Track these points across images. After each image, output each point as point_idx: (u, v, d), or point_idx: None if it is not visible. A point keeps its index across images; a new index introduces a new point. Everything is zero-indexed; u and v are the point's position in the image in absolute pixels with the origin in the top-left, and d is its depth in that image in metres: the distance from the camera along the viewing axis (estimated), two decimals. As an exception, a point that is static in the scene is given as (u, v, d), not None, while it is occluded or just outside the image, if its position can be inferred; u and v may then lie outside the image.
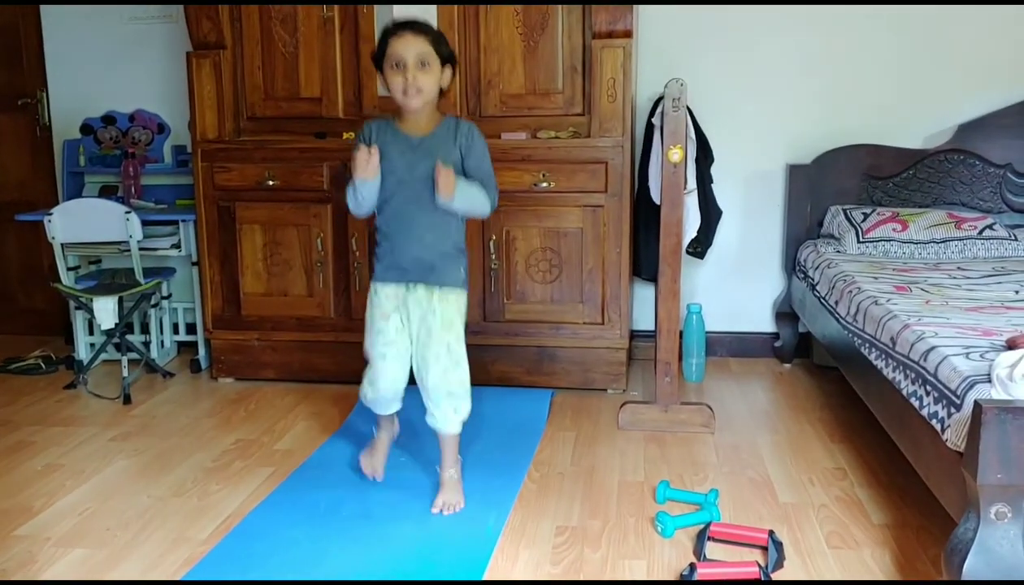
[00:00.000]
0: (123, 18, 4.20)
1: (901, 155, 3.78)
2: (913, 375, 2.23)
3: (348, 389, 3.52)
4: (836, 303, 3.06)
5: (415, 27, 2.39)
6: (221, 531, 2.43)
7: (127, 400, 3.53)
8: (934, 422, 2.03)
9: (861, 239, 3.52)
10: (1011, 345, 2.04)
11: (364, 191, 2.41)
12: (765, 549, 2.25)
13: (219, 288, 3.72)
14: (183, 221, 3.85)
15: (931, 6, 3.73)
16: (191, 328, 4.16)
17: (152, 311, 3.98)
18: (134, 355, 3.77)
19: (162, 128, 4.18)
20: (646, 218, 3.48)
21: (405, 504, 2.56)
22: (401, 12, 3.52)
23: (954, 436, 1.91)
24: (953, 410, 1.94)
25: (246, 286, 3.67)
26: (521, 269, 3.49)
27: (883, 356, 2.49)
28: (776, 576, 2.16)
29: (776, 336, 4.01)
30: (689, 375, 3.76)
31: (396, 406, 2.59)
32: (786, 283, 3.95)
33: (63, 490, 2.72)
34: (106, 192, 4.14)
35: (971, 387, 1.90)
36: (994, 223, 3.54)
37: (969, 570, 1.75)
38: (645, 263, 3.59)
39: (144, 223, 3.68)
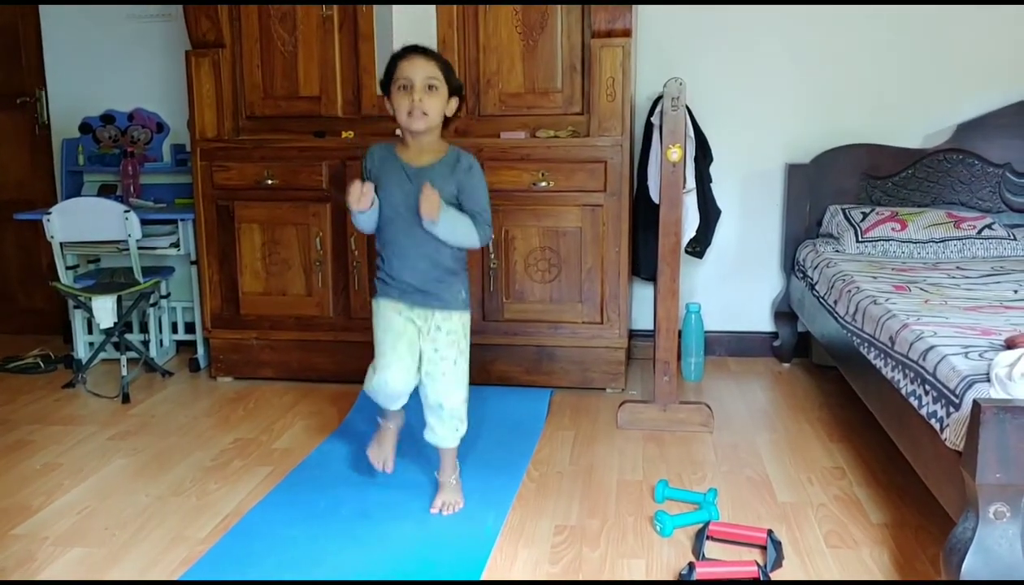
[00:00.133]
0: (122, 17, 4.19)
1: (900, 155, 3.78)
2: (912, 374, 2.23)
3: (347, 388, 3.52)
4: (835, 302, 3.06)
5: (426, 52, 2.40)
6: (219, 530, 2.43)
7: (126, 399, 3.52)
8: (933, 421, 2.04)
9: (860, 239, 3.53)
10: (1010, 344, 2.04)
11: (361, 219, 2.44)
12: (764, 548, 2.25)
13: (218, 287, 3.71)
14: (182, 220, 3.85)
15: (930, 6, 3.73)
16: (190, 327, 4.16)
17: (151, 310, 3.98)
18: (133, 354, 3.77)
19: (161, 127, 4.17)
20: (645, 217, 3.48)
21: (404, 503, 2.56)
22: (400, 11, 3.52)
23: (953, 435, 1.91)
24: (952, 409, 1.94)
25: (245, 285, 3.67)
26: (520, 268, 3.49)
27: (882, 355, 2.49)
28: (775, 575, 2.16)
29: (775, 335, 4.01)
30: (688, 374, 3.76)
31: (400, 402, 2.55)
32: (785, 282, 3.95)
33: (61, 489, 2.72)
34: (105, 191, 4.14)
35: (970, 386, 1.90)
36: (993, 223, 3.54)
37: (968, 569, 1.75)
38: (644, 262, 3.59)
39: (143, 222, 3.67)
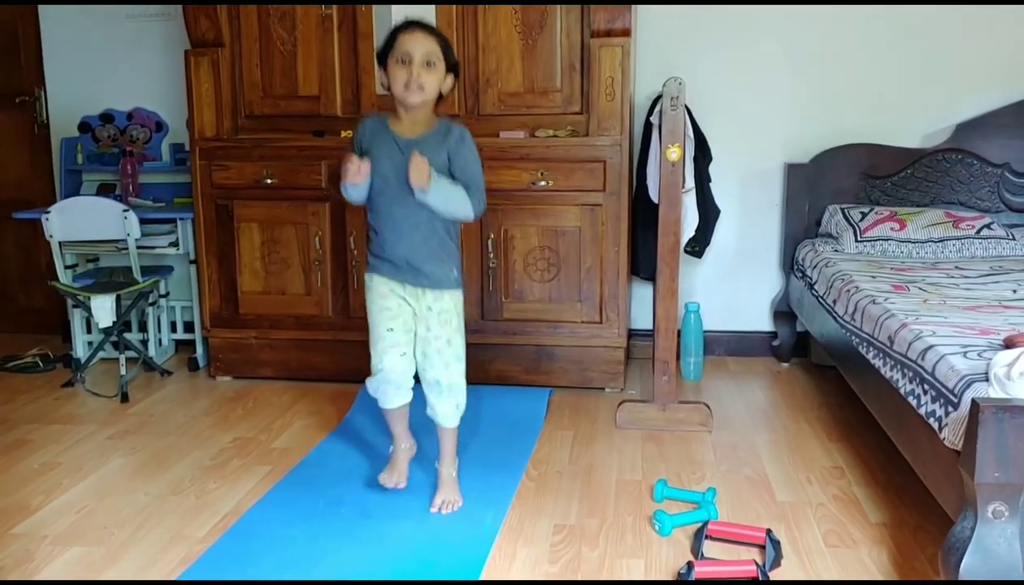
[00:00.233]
0: (121, 16, 4.19)
1: (899, 154, 3.78)
2: (911, 374, 2.23)
3: (346, 387, 3.52)
4: (834, 302, 3.06)
5: (426, 27, 2.41)
6: (218, 529, 2.43)
7: (125, 398, 3.52)
8: (932, 421, 2.04)
9: (859, 238, 3.53)
10: (1009, 344, 2.04)
11: (353, 192, 2.45)
12: (763, 548, 2.25)
13: (217, 286, 3.71)
14: (181, 219, 3.85)
15: (930, 6, 3.73)
16: (189, 326, 4.16)
17: (150, 309, 3.98)
18: (132, 353, 3.76)
19: (160, 126, 4.17)
20: (644, 217, 3.48)
21: (403, 503, 2.56)
22: (400, 11, 3.52)
23: (951, 435, 1.91)
24: (951, 409, 1.94)
25: (244, 284, 3.67)
26: (519, 268, 3.49)
27: (881, 355, 2.49)
28: (773, 575, 2.17)
29: (774, 335, 4.01)
30: (687, 374, 3.76)
31: (405, 395, 2.53)
32: (784, 282, 3.95)
33: (60, 488, 2.72)
34: (104, 190, 4.13)
35: (968, 386, 1.90)
36: (992, 222, 3.54)
37: (966, 569, 1.75)
38: (643, 262, 3.59)
39: (142, 221, 3.67)
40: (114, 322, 3.60)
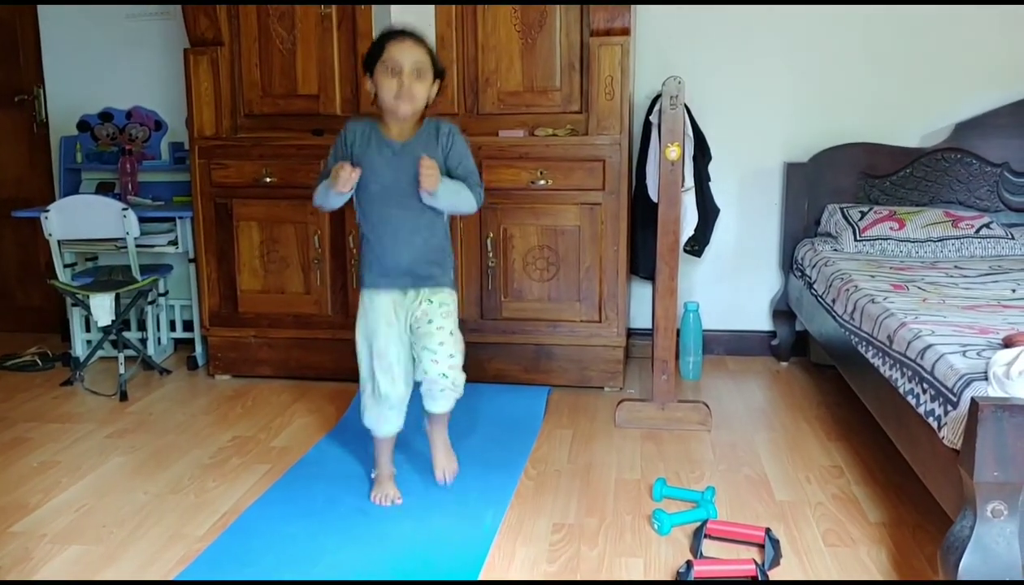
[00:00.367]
0: (120, 15, 4.19)
1: (898, 154, 3.79)
2: (910, 373, 2.23)
3: (345, 386, 3.52)
4: (833, 301, 3.06)
5: (415, 36, 2.41)
6: (218, 528, 2.43)
7: (123, 397, 3.52)
8: (931, 420, 2.04)
9: (858, 237, 3.53)
10: (1008, 343, 2.04)
11: (337, 201, 2.46)
12: (762, 547, 2.25)
13: (216, 285, 3.71)
14: (180, 218, 3.85)
15: (930, 6, 3.73)
16: (188, 325, 4.16)
17: (149, 308, 3.98)
18: (131, 352, 3.76)
19: (159, 125, 4.17)
20: (643, 216, 3.48)
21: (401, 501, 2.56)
22: (399, 10, 3.52)
23: (951, 434, 1.91)
24: (950, 408, 1.94)
25: (243, 283, 3.67)
26: (519, 267, 3.49)
27: (880, 354, 2.49)
28: (772, 574, 2.16)
29: (773, 334, 4.01)
30: (686, 373, 3.76)
31: (399, 421, 2.55)
32: (783, 281, 3.95)
33: (59, 487, 2.72)
34: (103, 189, 4.13)
35: (968, 385, 1.90)
36: (991, 222, 3.54)
37: (965, 568, 1.75)
38: (642, 261, 3.59)
39: (141, 220, 3.67)
40: (113, 321, 3.60)
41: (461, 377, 2.53)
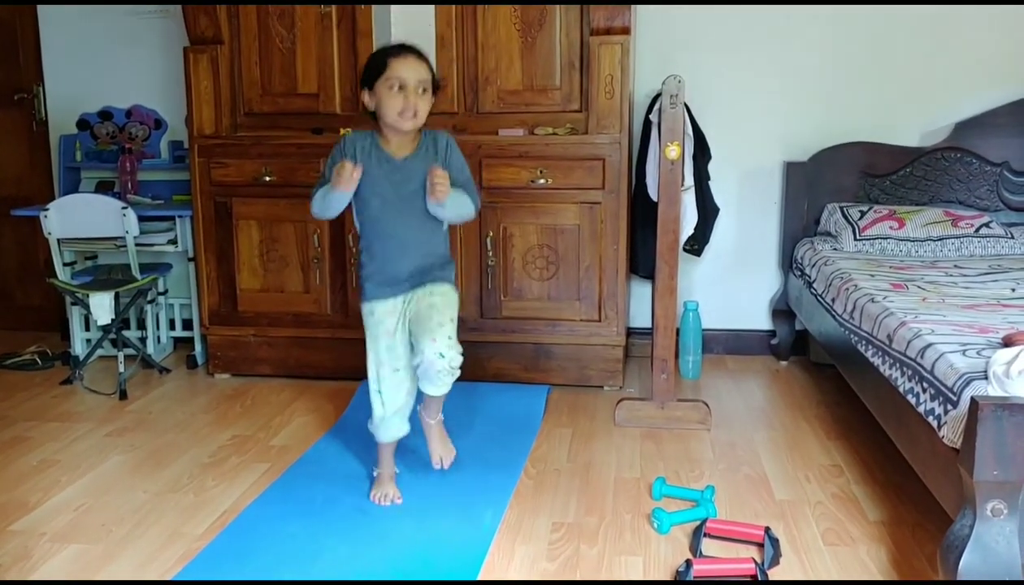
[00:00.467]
0: (120, 14, 4.18)
1: (898, 153, 3.78)
2: (910, 372, 2.23)
3: (344, 385, 3.52)
4: (833, 300, 3.06)
5: (417, 52, 2.42)
6: (217, 527, 2.43)
7: (123, 396, 3.52)
8: (930, 419, 2.04)
9: (858, 237, 3.53)
10: (1007, 342, 2.04)
11: (340, 202, 2.43)
12: (761, 546, 2.25)
13: (215, 284, 3.71)
14: (180, 217, 3.84)
15: (930, 6, 3.73)
16: (187, 324, 4.16)
17: (148, 307, 3.98)
18: (130, 351, 3.76)
19: (159, 123, 4.16)
20: (643, 215, 3.48)
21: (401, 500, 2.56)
22: (399, 9, 3.52)
23: (950, 433, 1.91)
24: (949, 407, 1.94)
25: (242, 282, 3.67)
26: (518, 266, 3.49)
27: (880, 353, 2.49)
28: (772, 573, 2.16)
29: (773, 333, 4.01)
30: (686, 372, 3.76)
31: (404, 428, 2.56)
32: (783, 280, 3.95)
33: (58, 486, 2.72)
34: (103, 187, 4.12)
35: (967, 384, 1.90)
36: (991, 221, 3.54)
37: (965, 567, 1.75)
38: (642, 260, 3.59)
39: (140, 219, 3.66)
40: (112, 319, 3.60)
41: (458, 359, 2.46)
